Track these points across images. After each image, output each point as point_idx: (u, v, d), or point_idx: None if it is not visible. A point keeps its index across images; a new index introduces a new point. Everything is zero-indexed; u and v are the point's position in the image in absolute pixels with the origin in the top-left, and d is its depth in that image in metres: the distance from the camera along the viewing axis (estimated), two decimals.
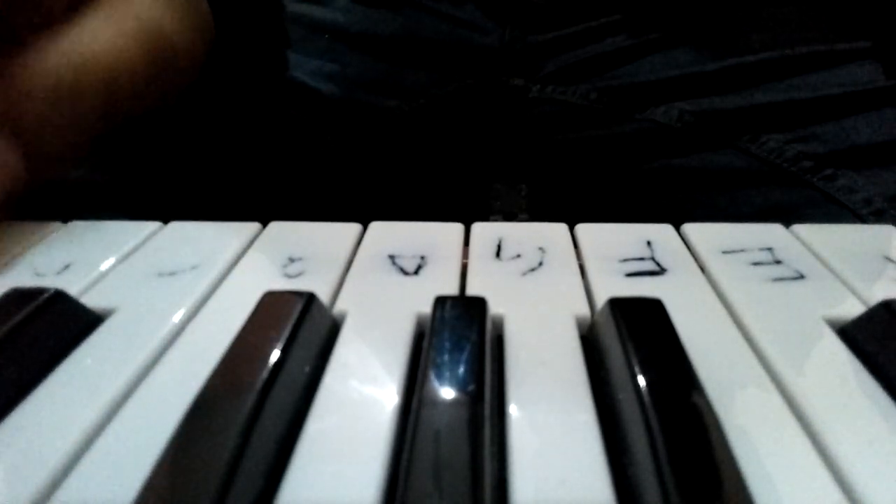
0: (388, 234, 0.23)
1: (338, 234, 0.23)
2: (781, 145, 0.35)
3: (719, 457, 0.12)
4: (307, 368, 0.16)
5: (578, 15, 0.38)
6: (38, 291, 0.17)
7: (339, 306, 0.19)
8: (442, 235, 0.22)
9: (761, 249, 0.21)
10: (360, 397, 0.15)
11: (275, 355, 0.15)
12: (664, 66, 0.38)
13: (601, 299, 0.18)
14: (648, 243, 0.22)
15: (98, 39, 0.23)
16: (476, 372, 0.14)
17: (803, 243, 0.22)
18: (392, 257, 0.21)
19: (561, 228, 0.22)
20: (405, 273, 0.20)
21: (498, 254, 0.21)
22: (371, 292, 0.19)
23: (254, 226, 0.23)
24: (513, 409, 0.15)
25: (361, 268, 0.21)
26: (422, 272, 0.20)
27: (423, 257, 0.21)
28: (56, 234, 0.24)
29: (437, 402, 0.14)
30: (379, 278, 0.20)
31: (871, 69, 0.37)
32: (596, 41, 0.39)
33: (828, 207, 0.34)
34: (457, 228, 0.23)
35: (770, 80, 0.36)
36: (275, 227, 0.23)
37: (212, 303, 0.19)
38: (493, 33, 0.39)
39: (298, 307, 0.16)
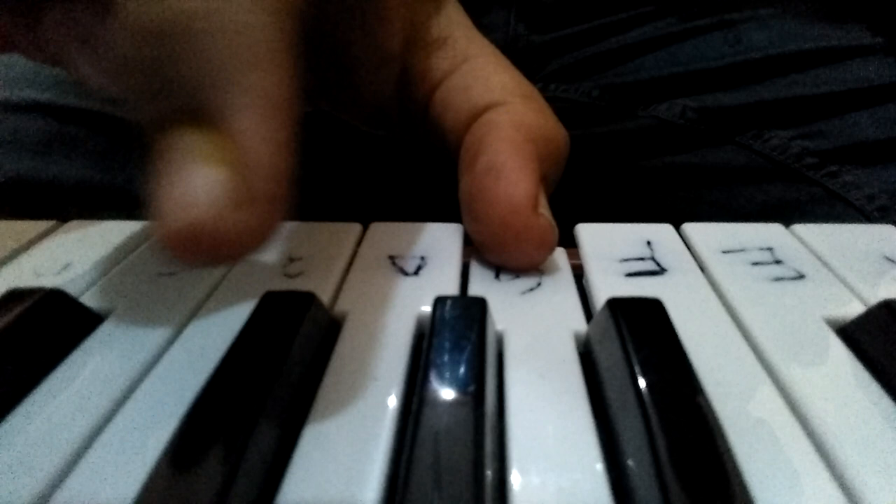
0: (388, 235, 0.23)
1: (338, 234, 0.23)
2: (785, 142, 0.35)
3: (720, 457, 0.12)
4: (307, 369, 0.16)
5: (586, 13, 0.38)
6: (38, 291, 0.18)
7: (339, 306, 0.19)
8: (442, 235, 0.22)
9: (761, 249, 0.21)
10: (360, 397, 0.15)
11: (275, 355, 0.15)
12: (667, 63, 0.37)
13: (601, 299, 0.18)
14: (648, 243, 0.22)
15: None
16: (476, 372, 0.14)
17: (803, 243, 0.22)
18: (392, 257, 0.21)
19: (558, 251, 0.22)
20: (405, 273, 0.20)
21: (497, 276, 0.20)
22: (371, 292, 0.19)
23: None
24: (513, 410, 0.15)
25: (361, 268, 0.21)
26: (422, 272, 0.20)
27: (423, 257, 0.21)
28: (56, 234, 0.24)
29: (437, 403, 0.14)
30: (379, 278, 0.20)
31: (876, 65, 0.37)
32: (599, 39, 0.38)
33: (831, 204, 0.34)
34: (457, 228, 0.23)
35: (774, 76, 0.36)
36: None
37: (212, 303, 0.19)
38: (497, 31, 0.39)
39: (298, 307, 0.16)
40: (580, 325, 0.18)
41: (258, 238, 0.13)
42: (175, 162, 0.13)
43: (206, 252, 0.13)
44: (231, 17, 0.12)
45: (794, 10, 0.38)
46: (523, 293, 0.19)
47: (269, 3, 0.13)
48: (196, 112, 0.13)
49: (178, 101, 0.13)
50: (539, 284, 0.20)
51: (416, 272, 0.20)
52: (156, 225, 0.13)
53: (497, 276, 0.20)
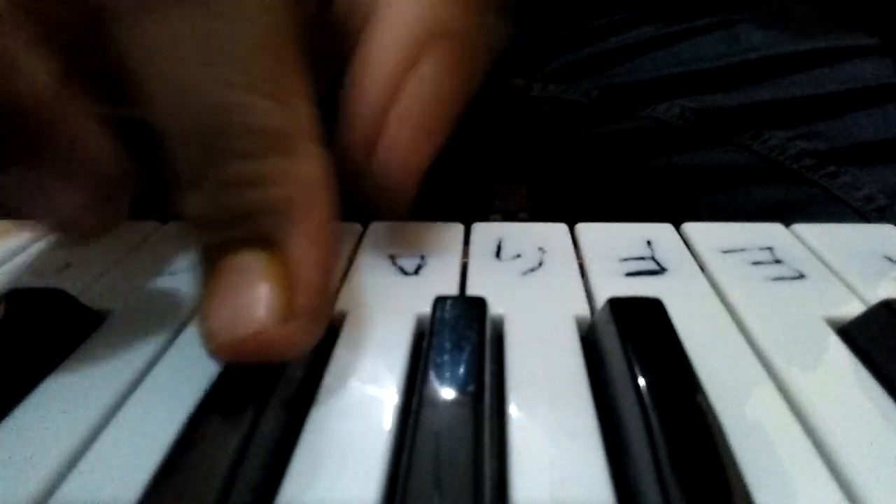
0: (388, 234, 0.23)
1: (338, 234, 0.23)
2: (784, 142, 0.35)
3: (720, 457, 0.12)
4: (307, 368, 0.16)
5: (584, 15, 0.38)
6: (38, 291, 0.17)
7: (339, 306, 0.19)
8: (442, 235, 0.22)
9: (761, 249, 0.21)
10: (360, 397, 0.15)
11: None
12: (666, 64, 0.37)
13: (601, 299, 0.18)
14: (648, 243, 0.22)
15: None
16: (476, 372, 0.14)
17: (803, 243, 0.22)
18: (392, 257, 0.21)
19: (561, 229, 0.22)
20: (405, 273, 0.20)
21: (498, 254, 0.21)
22: (371, 292, 0.19)
23: None
24: (513, 409, 0.15)
25: (361, 267, 0.21)
26: (422, 272, 0.20)
27: (423, 257, 0.21)
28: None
29: (437, 402, 0.14)
30: (379, 278, 0.20)
31: (875, 65, 0.37)
32: (598, 40, 0.38)
33: (830, 205, 0.34)
34: (457, 228, 0.23)
35: (772, 76, 0.36)
36: None
37: None
38: (496, 33, 0.39)
39: None
40: (582, 308, 0.18)
41: (303, 347, 0.14)
42: (228, 277, 0.14)
43: (254, 360, 0.14)
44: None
45: (791, 10, 0.38)
46: (524, 273, 0.19)
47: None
48: (255, 237, 0.14)
49: (242, 231, 0.14)
50: (540, 264, 0.20)
51: (416, 272, 0.20)
52: (205, 336, 0.14)
53: (497, 255, 0.20)
